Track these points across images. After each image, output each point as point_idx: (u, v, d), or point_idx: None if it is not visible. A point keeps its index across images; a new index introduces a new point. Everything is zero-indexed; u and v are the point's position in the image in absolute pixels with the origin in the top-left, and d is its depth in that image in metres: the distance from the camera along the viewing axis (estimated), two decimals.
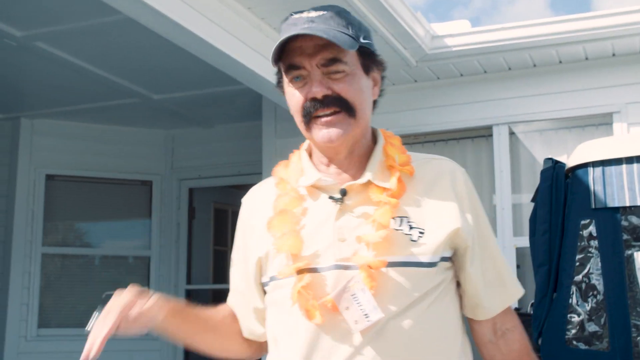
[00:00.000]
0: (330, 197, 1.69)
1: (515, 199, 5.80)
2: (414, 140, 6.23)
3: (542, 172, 3.00)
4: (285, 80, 1.71)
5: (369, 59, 1.73)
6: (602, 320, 2.82)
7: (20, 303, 6.76)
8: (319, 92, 1.64)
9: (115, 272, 7.31)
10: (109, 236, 7.45)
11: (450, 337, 1.68)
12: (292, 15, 1.69)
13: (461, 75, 5.97)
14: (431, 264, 1.64)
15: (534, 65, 5.78)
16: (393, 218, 1.64)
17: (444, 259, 1.68)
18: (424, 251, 1.64)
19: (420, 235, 1.64)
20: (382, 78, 1.79)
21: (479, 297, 1.73)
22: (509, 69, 5.84)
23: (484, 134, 6.01)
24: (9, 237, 6.80)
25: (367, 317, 1.55)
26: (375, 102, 1.77)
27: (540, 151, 5.87)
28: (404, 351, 1.59)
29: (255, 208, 1.83)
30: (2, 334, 6.67)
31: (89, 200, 7.31)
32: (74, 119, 7.09)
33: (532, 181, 5.80)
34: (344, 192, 1.68)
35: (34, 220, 6.89)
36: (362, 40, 1.68)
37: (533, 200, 3.12)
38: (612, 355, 2.73)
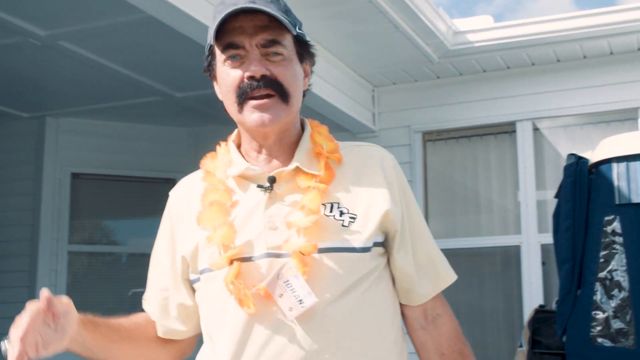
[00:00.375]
0: (259, 186, 1.68)
1: (540, 196, 5.76)
2: (437, 137, 6.22)
3: (565, 168, 2.98)
4: (220, 60, 1.69)
5: (303, 48, 1.73)
6: (628, 317, 2.80)
7: None
8: (258, 70, 1.63)
9: (142, 270, 7.33)
10: (134, 234, 7.49)
11: (387, 323, 1.68)
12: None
13: (484, 71, 5.94)
14: (364, 249, 1.64)
15: (558, 61, 5.73)
16: (323, 204, 1.64)
17: (376, 244, 1.68)
18: (356, 237, 1.64)
19: (352, 220, 1.64)
20: (311, 72, 1.80)
21: (412, 282, 1.74)
22: (533, 64, 5.80)
23: (508, 130, 5.98)
24: (36, 235, 6.86)
25: (301, 303, 1.54)
26: (304, 94, 1.77)
27: (564, 147, 5.82)
28: (339, 338, 1.58)
29: (183, 201, 1.81)
30: None
31: (114, 198, 7.36)
32: (98, 117, 7.13)
33: (556, 177, 5.74)
34: (272, 180, 1.68)
35: (60, 218, 6.95)
36: (298, 30, 1.69)
37: (556, 196, 3.10)
38: (638, 353, 2.71)
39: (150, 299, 1.87)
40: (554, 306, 3.59)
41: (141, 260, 7.35)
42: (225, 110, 1.76)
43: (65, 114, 7.01)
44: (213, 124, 7.36)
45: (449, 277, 1.83)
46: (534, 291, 5.58)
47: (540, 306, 3.92)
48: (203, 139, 7.54)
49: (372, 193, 1.68)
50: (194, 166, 7.18)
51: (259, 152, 1.73)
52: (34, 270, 6.80)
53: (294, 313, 1.55)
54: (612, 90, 5.59)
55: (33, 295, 6.70)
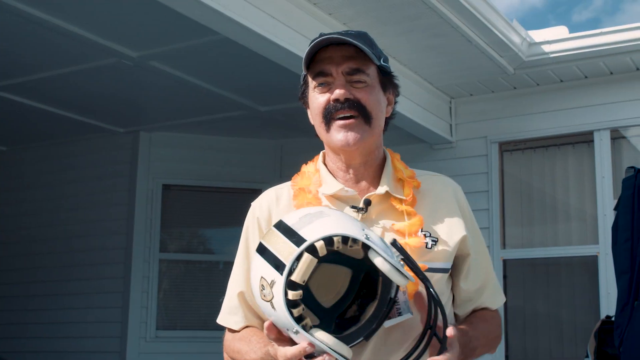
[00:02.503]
0: (353, 207, 1.81)
1: None
2: (514, 147, 6.24)
3: (624, 181, 3.02)
4: (311, 86, 1.86)
5: (387, 78, 1.88)
6: None
7: (141, 306, 7.14)
8: (342, 94, 1.79)
9: (228, 277, 7.56)
10: (222, 242, 7.73)
11: None
12: (321, 34, 1.85)
13: (561, 81, 5.94)
14: (445, 270, 1.83)
15: (637, 69, 5.69)
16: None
17: (448, 270, 1.85)
18: (439, 257, 1.81)
19: (434, 243, 1.81)
20: (395, 102, 1.93)
21: (470, 301, 1.90)
22: (611, 73, 5.77)
23: (585, 139, 5.96)
24: (130, 244, 7.21)
25: (400, 314, 1.68)
26: (387, 122, 1.91)
27: None
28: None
29: (272, 213, 1.90)
30: (124, 334, 7.08)
31: (202, 208, 7.63)
32: (188, 131, 7.44)
33: None
34: (368, 202, 1.82)
35: (152, 227, 7.27)
36: (382, 62, 1.85)
37: (615, 208, 3.15)
38: None
39: (242, 300, 1.91)
40: None
41: (227, 268, 7.62)
42: (316, 136, 1.91)
43: (157, 129, 7.34)
44: (296, 136, 7.59)
45: (500, 300, 1.99)
46: (611, 302, 5.53)
47: (607, 317, 3.93)
48: (287, 150, 7.77)
49: (450, 219, 1.85)
50: (279, 177, 7.56)
51: (346, 171, 1.86)
52: (127, 277, 7.14)
53: (391, 322, 1.68)
54: None
55: (127, 300, 7.06)
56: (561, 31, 5.71)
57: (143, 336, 7.12)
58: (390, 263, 1.50)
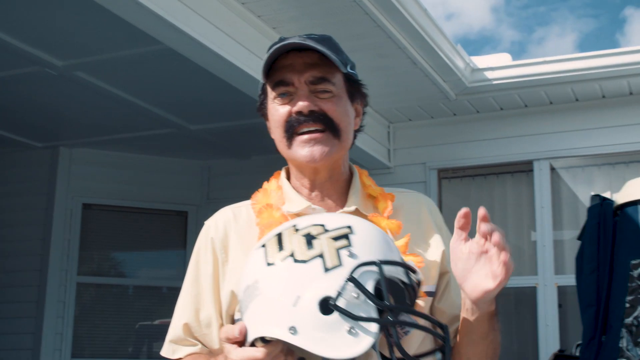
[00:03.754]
0: None
1: (557, 236, 5.68)
2: (452, 175, 6.16)
3: (590, 210, 2.90)
4: (270, 97, 1.70)
5: (354, 87, 1.74)
6: None
7: (55, 332, 6.74)
8: (305, 106, 1.63)
9: (149, 302, 7.28)
10: (144, 266, 7.43)
11: None
12: (281, 38, 1.67)
13: (501, 109, 5.90)
14: (432, 293, 1.69)
15: (577, 100, 5.69)
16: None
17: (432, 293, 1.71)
18: (427, 280, 1.67)
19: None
20: (364, 113, 1.80)
21: (457, 315, 1.70)
22: (551, 103, 5.75)
23: (525, 169, 5.92)
24: (45, 266, 6.80)
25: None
26: (355, 135, 1.76)
27: (582, 187, 5.76)
28: None
29: (229, 232, 1.73)
30: None
31: (125, 229, 7.31)
32: (111, 149, 7.12)
33: (573, 218, 5.67)
34: None
35: (70, 248, 6.90)
36: (349, 69, 1.70)
37: (579, 238, 3.02)
38: None
39: (187, 332, 1.72)
40: (574, 351, 3.49)
41: (149, 293, 7.29)
42: (277, 151, 1.74)
43: (78, 144, 6.99)
44: (226, 157, 7.34)
45: None
46: (550, 334, 5.46)
47: (560, 351, 3.82)
48: (215, 172, 7.51)
49: (427, 237, 1.72)
50: (206, 199, 7.20)
51: (311, 189, 1.71)
52: (42, 301, 6.73)
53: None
54: (631, 131, 5.53)
55: (40, 326, 6.63)
56: (504, 58, 5.67)
57: None
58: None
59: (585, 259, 2.85)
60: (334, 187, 1.72)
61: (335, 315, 1.32)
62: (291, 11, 4.28)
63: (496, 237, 1.42)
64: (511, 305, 5.97)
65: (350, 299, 1.32)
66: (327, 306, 1.32)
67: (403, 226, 1.67)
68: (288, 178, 1.77)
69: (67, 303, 6.81)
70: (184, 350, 1.70)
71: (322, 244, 1.38)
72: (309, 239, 1.39)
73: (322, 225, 1.40)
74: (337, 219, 1.43)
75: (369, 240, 1.40)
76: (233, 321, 1.67)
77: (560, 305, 5.53)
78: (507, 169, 6.00)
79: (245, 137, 6.73)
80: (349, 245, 1.37)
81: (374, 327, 1.32)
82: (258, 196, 1.76)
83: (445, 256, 1.70)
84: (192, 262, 1.75)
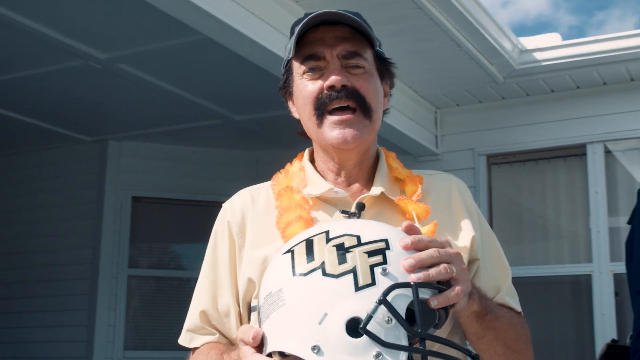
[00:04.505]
0: (343, 212, 1.56)
1: (612, 222, 5.48)
2: (502, 160, 5.99)
3: (639, 192, 2.74)
4: (297, 73, 1.61)
5: (384, 66, 1.65)
6: None
7: (107, 324, 6.81)
8: (338, 80, 1.54)
9: None
10: (193, 258, 7.44)
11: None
12: (307, 13, 1.58)
13: (552, 91, 5.71)
14: None
15: (632, 79, 5.47)
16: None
17: None
18: None
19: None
20: (390, 95, 1.71)
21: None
22: (604, 83, 5.55)
23: (578, 152, 5.73)
24: (96, 259, 6.87)
25: None
26: (382, 114, 1.67)
27: (639, 170, 5.53)
28: None
29: (247, 216, 1.65)
30: (90, 354, 6.72)
31: (174, 221, 7.33)
32: (159, 141, 7.14)
33: (630, 203, 5.47)
34: (361, 206, 1.56)
35: (120, 241, 6.95)
36: (379, 47, 1.63)
37: (629, 222, 2.86)
38: None
39: (205, 320, 1.66)
40: (627, 341, 3.34)
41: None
42: (299, 133, 1.66)
43: (127, 138, 7.03)
44: (273, 148, 7.30)
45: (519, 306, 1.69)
46: (606, 323, 5.28)
47: (613, 341, 3.67)
48: (264, 162, 7.47)
49: (456, 222, 1.62)
50: None
51: (338, 173, 1.63)
52: (94, 294, 6.80)
53: None
54: None
55: (93, 318, 6.70)
56: (554, 38, 5.47)
57: (110, 356, 6.81)
58: None
59: (636, 244, 2.70)
60: (361, 171, 1.64)
61: (364, 338, 1.22)
62: None
63: (430, 275, 1.27)
64: (566, 294, 5.80)
65: (380, 322, 1.23)
66: (355, 327, 1.23)
67: (431, 210, 1.58)
68: (312, 160, 1.69)
69: (118, 295, 6.87)
70: (201, 340, 1.64)
71: (356, 258, 1.27)
72: (342, 250, 1.28)
73: (357, 237, 1.30)
74: (374, 231, 1.33)
75: (405, 257, 1.29)
76: (249, 309, 1.60)
77: (617, 294, 5.34)
78: (560, 153, 5.81)
79: (291, 127, 6.65)
80: (384, 262, 1.27)
81: (403, 355, 1.22)
82: (279, 177, 1.69)
83: (476, 242, 1.61)
84: (210, 247, 1.70)
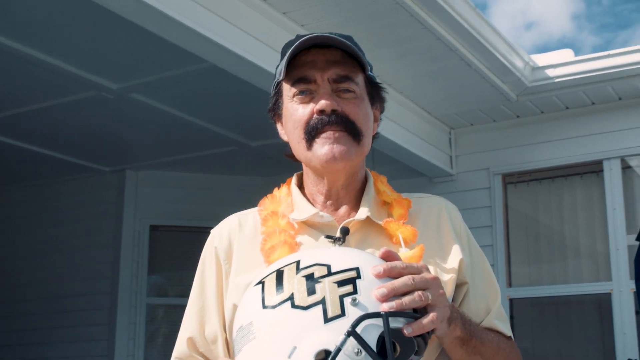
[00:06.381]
0: (328, 237, 1.53)
1: (631, 240, 5.37)
2: (518, 179, 5.94)
3: None
4: (287, 96, 1.60)
5: (375, 90, 1.64)
6: None
7: (127, 354, 6.80)
8: (329, 104, 1.52)
9: None
10: None
11: None
12: (298, 35, 1.57)
13: (566, 108, 5.65)
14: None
15: None
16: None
17: None
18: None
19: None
20: (380, 120, 1.68)
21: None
22: (619, 98, 5.48)
23: (594, 169, 5.66)
24: (115, 289, 6.88)
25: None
26: (372, 140, 1.65)
27: None
28: None
29: (234, 242, 1.64)
30: None
31: (192, 249, 7.30)
32: (176, 169, 7.17)
33: None
34: (345, 231, 1.53)
35: (139, 270, 6.96)
36: (370, 72, 1.61)
37: (638, 239, 2.80)
38: None
39: (192, 347, 1.64)
40: None
41: None
42: (287, 155, 1.66)
43: (144, 167, 7.07)
44: (290, 172, 7.25)
45: (509, 330, 1.65)
46: (627, 342, 5.18)
47: None
48: None
49: (444, 244, 1.59)
50: None
51: (327, 196, 1.62)
52: (113, 324, 6.80)
53: None
54: None
55: (112, 348, 6.69)
56: (566, 54, 5.42)
57: None
58: None
59: None
60: (348, 194, 1.62)
61: None
62: (334, 18, 4.19)
63: (403, 303, 1.24)
64: (586, 313, 5.70)
65: (350, 354, 1.19)
66: None
67: (419, 233, 1.55)
68: (300, 185, 1.68)
69: (137, 324, 6.86)
70: None
71: (325, 288, 1.25)
72: (311, 281, 1.26)
73: (327, 266, 1.27)
74: (345, 259, 1.30)
75: (378, 286, 1.26)
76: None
77: (637, 312, 5.23)
78: (576, 170, 5.73)
79: None
80: (354, 292, 1.24)
81: None
82: (266, 202, 1.67)
83: (465, 264, 1.57)
84: (198, 274, 1.68)
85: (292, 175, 1.75)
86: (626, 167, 5.54)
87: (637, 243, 3.09)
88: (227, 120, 5.91)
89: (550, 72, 5.28)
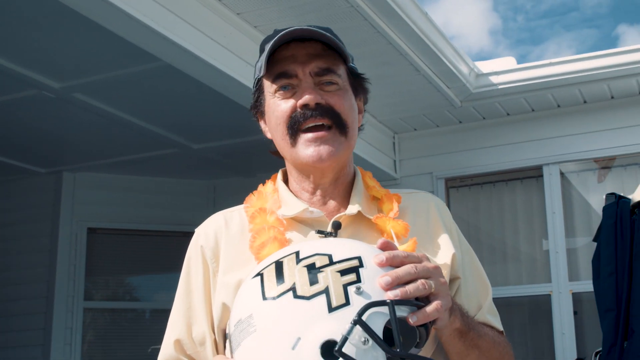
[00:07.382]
0: (319, 232, 1.52)
1: (570, 243, 5.54)
2: (460, 184, 6.04)
3: (605, 209, 2.78)
4: (269, 92, 1.58)
5: (357, 81, 1.63)
6: None
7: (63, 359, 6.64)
8: (312, 98, 1.51)
9: (159, 326, 7.14)
10: (151, 289, 7.32)
11: None
12: (276, 30, 1.56)
13: (508, 114, 5.78)
14: None
15: (585, 102, 5.57)
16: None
17: None
18: None
19: None
20: (364, 111, 1.69)
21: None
22: (558, 106, 5.64)
23: (534, 174, 5.80)
24: (52, 293, 6.71)
25: None
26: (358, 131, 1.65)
27: (594, 191, 5.62)
28: None
29: (220, 240, 1.60)
30: None
31: (131, 252, 7.21)
32: (115, 171, 7.03)
33: (586, 223, 5.54)
34: (337, 225, 1.52)
35: (76, 274, 6.80)
36: (352, 63, 1.61)
37: (595, 239, 2.89)
38: None
39: (179, 349, 1.61)
40: (593, 359, 3.36)
41: (157, 316, 7.18)
42: (272, 152, 1.63)
43: (82, 169, 6.92)
44: (232, 176, 7.24)
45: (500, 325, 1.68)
46: (566, 342, 5.32)
47: (578, 359, 3.68)
48: (221, 191, 7.41)
49: (436, 238, 1.59)
50: None
51: (313, 193, 1.60)
52: (49, 328, 6.63)
53: None
54: None
55: (48, 354, 6.52)
56: (509, 62, 5.56)
57: None
58: None
59: (603, 261, 2.72)
60: (337, 189, 1.60)
61: None
62: (288, 20, 4.19)
63: (407, 291, 1.25)
64: (525, 314, 5.84)
65: (357, 343, 1.18)
66: (330, 351, 1.18)
67: (410, 228, 1.55)
68: (285, 181, 1.66)
69: (74, 329, 6.70)
70: None
71: (328, 278, 1.23)
72: (313, 271, 1.24)
73: (329, 256, 1.26)
74: (346, 248, 1.29)
75: (381, 274, 1.25)
76: (225, 336, 1.55)
77: (575, 313, 5.38)
78: (516, 175, 5.87)
79: (250, 155, 6.62)
80: (358, 280, 1.22)
81: None
82: (252, 199, 1.64)
83: (457, 259, 1.58)
84: (183, 274, 1.64)
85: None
86: (564, 173, 5.70)
87: (583, 245, 3.18)
88: (170, 122, 5.83)
89: (494, 79, 5.39)
